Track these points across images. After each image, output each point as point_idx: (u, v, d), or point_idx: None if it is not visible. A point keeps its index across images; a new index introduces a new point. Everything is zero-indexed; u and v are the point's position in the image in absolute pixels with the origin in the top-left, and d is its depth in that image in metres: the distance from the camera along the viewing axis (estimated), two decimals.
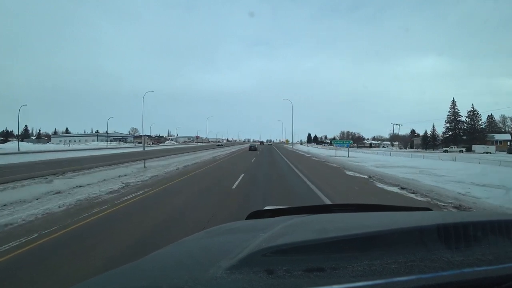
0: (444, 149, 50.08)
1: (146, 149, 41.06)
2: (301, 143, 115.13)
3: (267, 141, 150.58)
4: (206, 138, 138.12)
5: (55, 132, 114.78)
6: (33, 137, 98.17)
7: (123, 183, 8.77)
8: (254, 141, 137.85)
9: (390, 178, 10.24)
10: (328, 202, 5.98)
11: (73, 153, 29.39)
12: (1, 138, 75.29)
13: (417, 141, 71.97)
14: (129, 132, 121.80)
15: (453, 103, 58.11)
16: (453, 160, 22.30)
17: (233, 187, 7.74)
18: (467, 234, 0.68)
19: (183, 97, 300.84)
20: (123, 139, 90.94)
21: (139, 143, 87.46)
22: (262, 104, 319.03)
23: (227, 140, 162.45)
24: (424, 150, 54.50)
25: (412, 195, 6.98)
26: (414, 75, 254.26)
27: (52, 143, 70.39)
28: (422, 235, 0.68)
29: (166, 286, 0.51)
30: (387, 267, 0.54)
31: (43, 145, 55.82)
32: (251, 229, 0.99)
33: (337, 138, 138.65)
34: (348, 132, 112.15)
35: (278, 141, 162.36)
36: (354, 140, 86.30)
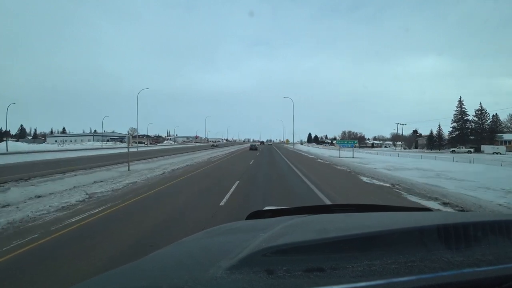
0: (451, 149, 48.17)
1: (140, 149, 39.61)
2: (302, 143, 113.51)
3: (267, 141, 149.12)
4: (205, 138, 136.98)
5: (52, 132, 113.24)
6: (29, 137, 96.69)
7: (87, 194, 7.06)
8: (254, 141, 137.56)
9: (411, 184, 8.56)
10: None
11: (62, 153, 27.83)
12: None
13: (421, 141, 70.13)
14: (128, 132, 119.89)
15: (460, 102, 56.18)
16: (469, 162, 20.63)
17: (221, 203, 5.95)
18: (467, 234, 0.68)
19: (183, 97, 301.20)
20: (120, 139, 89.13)
21: (138, 142, 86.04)
22: (262, 104, 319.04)
23: (227, 140, 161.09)
24: (429, 151, 52.75)
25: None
26: (414, 75, 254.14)
27: (48, 143, 68.59)
28: (422, 235, 0.68)
29: (166, 286, 0.51)
30: (387, 267, 0.54)
31: (37, 145, 54.08)
32: (251, 229, 0.98)
33: (338, 138, 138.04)
34: (349, 131, 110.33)
35: (278, 141, 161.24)
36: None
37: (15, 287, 2.59)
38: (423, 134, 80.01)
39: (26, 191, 7.56)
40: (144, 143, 79.98)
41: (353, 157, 26.11)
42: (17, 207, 5.69)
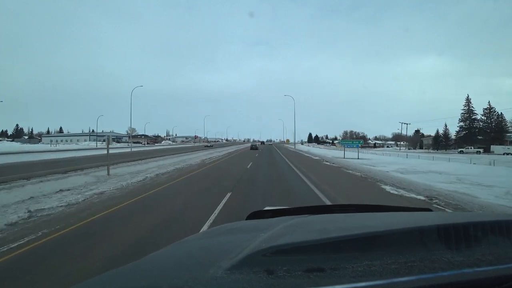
0: (459, 149, 46.23)
1: (135, 149, 37.90)
2: (302, 143, 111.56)
3: (267, 141, 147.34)
4: (205, 138, 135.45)
5: (48, 132, 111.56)
6: (25, 137, 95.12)
7: (29, 211, 5.34)
8: (254, 141, 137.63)
9: (447, 195, 6.87)
10: None
11: (50, 154, 26.21)
12: None
13: (426, 141, 68.27)
14: (127, 132, 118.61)
15: (468, 100, 54.02)
16: (490, 164, 18.91)
17: (203, 228, 4.23)
18: (467, 234, 0.68)
19: (183, 97, 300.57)
20: (117, 138, 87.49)
21: (134, 143, 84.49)
22: (262, 104, 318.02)
23: (227, 140, 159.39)
24: (435, 151, 50.93)
25: None
26: (414, 75, 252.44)
27: (43, 143, 66.92)
28: (422, 236, 0.68)
29: (166, 286, 0.51)
30: (387, 268, 0.54)
31: (30, 145, 52.41)
32: (251, 229, 0.98)
33: (339, 138, 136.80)
34: (351, 131, 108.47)
35: (278, 140, 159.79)
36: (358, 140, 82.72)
37: None
38: (425, 134, 78.50)
39: None
40: (141, 143, 78.27)
41: (358, 158, 24.75)
42: None
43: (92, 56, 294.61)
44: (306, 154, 28.68)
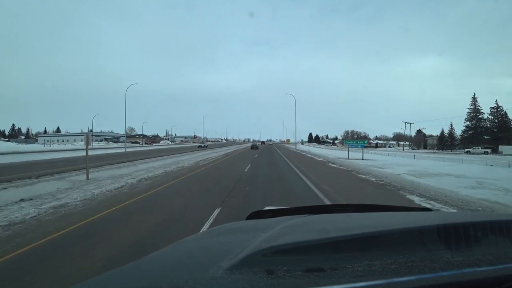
0: (466, 150, 44.65)
1: (130, 150, 36.50)
2: (302, 143, 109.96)
3: (267, 140, 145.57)
4: (204, 137, 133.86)
5: (45, 132, 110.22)
6: (22, 137, 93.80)
7: None
8: (254, 141, 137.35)
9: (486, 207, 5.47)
10: None
11: (40, 155, 24.91)
12: None
13: (431, 141, 66.73)
14: (126, 131, 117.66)
15: (474, 99, 52.21)
16: (509, 166, 17.51)
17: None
18: (467, 234, 0.68)
19: (183, 97, 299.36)
20: (115, 138, 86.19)
21: (132, 142, 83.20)
22: (262, 104, 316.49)
23: (226, 139, 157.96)
24: (440, 151, 49.44)
25: None
26: (414, 75, 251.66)
27: (39, 143, 65.59)
28: (422, 235, 0.68)
29: (166, 286, 0.51)
30: (387, 267, 0.54)
31: (24, 145, 51.08)
32: (251, 229, 0.98)
33: (339, 137, 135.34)
34: (352, 131, 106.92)
35: (278, 140, 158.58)
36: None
37: None
38: (426, 134, 77.04)
39: None
40: (139, 143, 76.86)
41: (363, 159, 23.53)
42: None
43: (92, 56, 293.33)
44: (308, 155, 27.21)
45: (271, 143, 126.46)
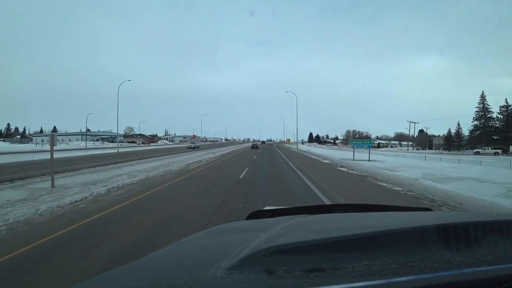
0: (475, 150, 42.70)
1: (125, 150, 34.78)
2: (303, 143, 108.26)
3: (267, 140, 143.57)
4: (204, 137, 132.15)
5: (41, 131, 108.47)
6: (18, 136, 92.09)
7: None
8: (254, 141, 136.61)
9: None
10: None
11: (26, 155, 23.22)
12: None
13: (436, 140, 64.80)
14: (125, 131, 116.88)
15: (483, 97, 50.11)
16: None
17: None
18: (467, 234, 0.68)
19: (183, 97, 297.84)
20: (111, 138, 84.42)
21: (130, 142, 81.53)
22: (262, 104, 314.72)
23: (226, 139, 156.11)
24: (447, 152, 47.62)
25: None
26: (414, 75, 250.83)
27: (33, 143, 63.78)
28: (422, 235, 0.68)
29: (166, 286, 0.51)
30: (387, 267, 0.54)
31: (17, 145, 49.29)
32: (251, 229, 0.98)
33: (340, 137, 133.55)
34: (354, 131, 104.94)
35: (278, 140, 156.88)
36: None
37: None
38: (429, 134, 75.23)
39: None
40: (136, 142, 75.11)
41: (369, 160, 21.93)
42: None
43: (92, 56, 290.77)
44: (312, 156, 25.38)
45: (271, 143, 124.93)
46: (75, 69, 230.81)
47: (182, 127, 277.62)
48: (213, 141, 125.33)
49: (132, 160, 18.44)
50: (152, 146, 58.95)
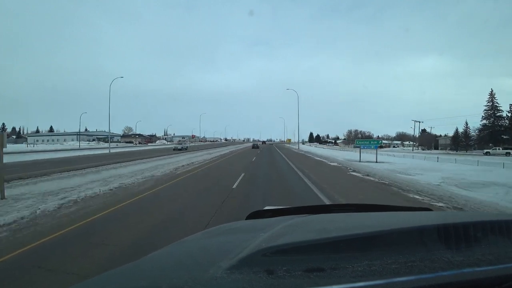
0: (485, 151, 40.80)
1: (118, 150, 32.98)
2: (303, 143, 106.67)
3: (267, 140, 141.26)
4: (203, 137, 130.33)
5: (37, 131, 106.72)
6: (14, 136, 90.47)
7: None
8: (254, 140, 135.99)
9: None
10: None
11: (10, 157, 21.63)
12: None
13: (443, 140, 62.81)
14: (123, 131, 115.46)
15: (492, 95, 47.99)
16: None
17: None
18: (467, 234, 0.68)
19: (183, 97, 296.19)
20: (107, 138, 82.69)
21: (127, 142, 79.84)
22: (262, 104, 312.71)
23: (226, 139, 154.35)
24: (455, 152, 45.79)
25: None
26: (414, 75, 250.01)
27: (27, 143, 62.02)
28: (422, 235, 0.68)
29: (165, 286, 0.51)
30: (387, 267, 0.54)
31: (8, 145, 47.61)
32: (251, 229, 0.97)
33: (342, 137, 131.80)
34: (356, 130, 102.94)
35: (278, 140, 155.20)
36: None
37: None
38: (430, 133, 73.40)
39: None
40: (132, 142, 73.39)
41: (377, 161, 20.23)
42: None
43: (92, 56, 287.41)
44: (316, 158, 23.57)
45: (271, 143, 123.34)
46: (75, 69, 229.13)
47: (182, 127, 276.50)
48: (213, 141, 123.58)
49: (120, 162, 16.78)
50: (149, 147, 57.32)
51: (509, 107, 46.56)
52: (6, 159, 19.07)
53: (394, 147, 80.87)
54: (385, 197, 7.26)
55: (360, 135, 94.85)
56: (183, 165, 14.35)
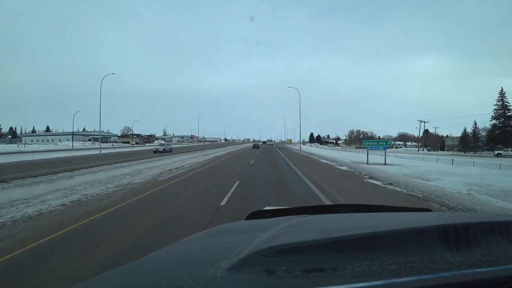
0: (496, 152, 38.89)
1: (105, 151, 31.30)
2: (304, 143, 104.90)
3: (267, 140, 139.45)
4: (202, 137, 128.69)
5: (33, 131, 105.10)
6: (9, 136, 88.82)
7: None
8: (254, 141, 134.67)
9: None
10: None
11: None
12: None
13: (449, 141, 60.80)
14: (122, 131, 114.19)
15: (502, 94, 46.00)
16: None
17: None
18: (467, 235, 0.68)
19: (183, 97, 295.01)
20: (105, 138, 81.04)
21: (124, 142, 78.18)
22: (262, 104, 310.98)
23: (225, 139, 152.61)
24: (463, 153, 43.90)
25: None
26: (414, 75, 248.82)
27: (21, 143, 60.39)
28: (422, 236, 0.68)
29: (166, 286, 0.51)
30: (387, 268, 0.54)
31: (1, 145, 46.01)
32: (251, 229, 0.97)
33: (342, 138, 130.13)
34: (358, 131, 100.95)
35: (278, 140, 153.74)
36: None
37: None
38: (432, 133, 71.63)
39: None
40: (129, 142, 71.65)
41: (385, 163, 18.37)
42: None
43: (92, 56, 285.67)
44: (322, 160, 21.64)
45: (271, 143, 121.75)
46: (75, 69, 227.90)
47: (181, 127, 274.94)
48: (212, 142, 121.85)
49: (105, 165, 15.11)
50: (145, 147, 55.71)
51: None
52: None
53: (396, 147, 79.07)
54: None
55: (362, 136, 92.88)
56: (170, 169, 12.61)
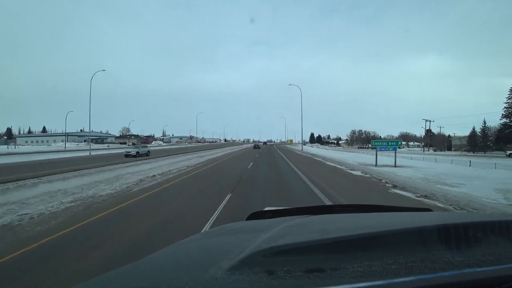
0: (509, 152, 37.16)
1: (97, 153, 29.59)
2: (305, 143, 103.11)
3: (268, 141, 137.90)
4: (202, 138, 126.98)
5: (30, 131, 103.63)
6: (5, 137, 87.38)
7: None
8: (254, 141, 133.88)
9: None
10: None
11: None
12: None
13: (456, 141, 58.96)
14: (121, 132, 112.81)
15: None
16: None
17: None
18: (468, 234, 0.68)
19: (183, 97, 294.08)
20: (100, 139, 79.57)
21: (121, 143, 76.58)
22: (262, 104, 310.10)
23: (225, 140, 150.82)
24: (473, 154, 42.14)
25: None
26: (414, 75, 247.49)
27: (15, 143, 58.78)
28: (422, 236, 0.68)
29: (165, 286, 0.51)
30: (387, 268, 0.54)
31: None
32: (252, 229, 0.97)
33: (343, 138, 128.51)
34: (360, 131, 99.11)
35: (278, 141, 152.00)
36: (369, 141, 73.75)
37: None
38: (435, 133, 69.90)
39: None
40: (126, 143, 70.04)
41: (395, 165, 16.85)
42: None
43: (92, 56, 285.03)
44: (328, 163, 19.80)
45: (272, 143, 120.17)
46: (75, 69, 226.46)
47: (181, 128, 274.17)
48: (212, 142, 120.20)
49: (89, 168, 13.54)
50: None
51: None
52: None
53: (399, 147, 77.37)
54: None
55: (364, 136, 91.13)
56: (154, 175, 10.90)
